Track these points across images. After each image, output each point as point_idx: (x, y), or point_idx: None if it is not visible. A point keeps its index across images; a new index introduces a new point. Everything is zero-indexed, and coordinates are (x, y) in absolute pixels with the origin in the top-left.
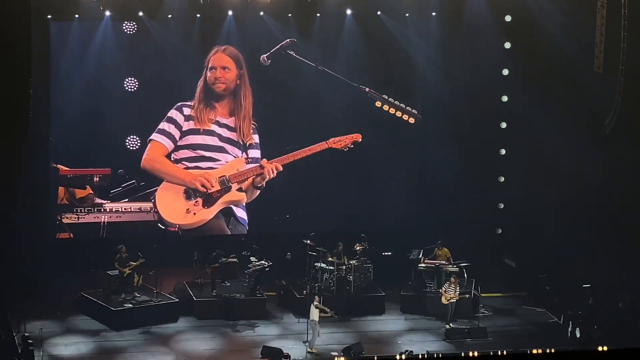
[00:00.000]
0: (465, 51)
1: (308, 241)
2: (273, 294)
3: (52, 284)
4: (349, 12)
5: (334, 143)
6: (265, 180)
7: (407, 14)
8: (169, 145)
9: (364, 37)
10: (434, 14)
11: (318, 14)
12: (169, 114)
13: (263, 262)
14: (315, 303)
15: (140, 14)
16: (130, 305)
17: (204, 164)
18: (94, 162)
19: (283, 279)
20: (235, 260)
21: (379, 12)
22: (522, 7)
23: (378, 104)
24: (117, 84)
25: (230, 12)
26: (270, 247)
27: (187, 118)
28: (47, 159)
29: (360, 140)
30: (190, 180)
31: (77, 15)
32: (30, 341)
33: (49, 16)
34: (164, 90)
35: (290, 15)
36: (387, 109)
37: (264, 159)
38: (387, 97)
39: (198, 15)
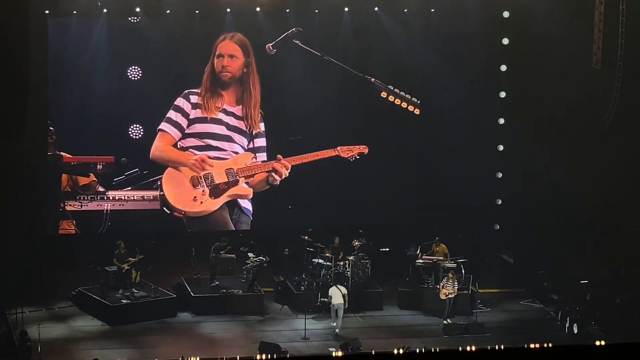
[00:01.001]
0: (463, 47)
1: (306, 237)
2: (270, 290)
3: (50, 280)
4: (346, 9)
5: (342, 152)
6: (280, 179)
7: (405, 10)
8: (176, 134)
9: (362, 33)
10: (432, 10)
11: (316, 10)
12: (176, 102)
13: (261, 257)
14: (340, 288)
15: (137, 9)
16: (128, 301)
17: (211, 152)
18: (98, 151)
19: (281, 275)
20: (233, 255)
21: (376, 8)
22: (520, 3)
23: (384, 94)
24: (121, 72)
25: (228, 10)
26: (268, 243)
27: (195, 106)
28: (45, 154)
29: (366, 152)
30: (190, 163)
31: (75, 12)
32: (27, 337)
33: (47, 12)
34: (167, 79)
35: (287, 10)
36: (392, 100)
37: (279, 156)
38: (392, 88)
39: (197, 12)
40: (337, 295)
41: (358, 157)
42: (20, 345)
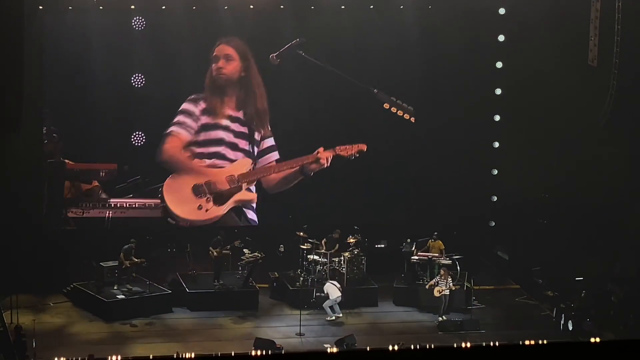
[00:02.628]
0: (458, 44)
1: (301, 233)
2: (265, 286)
3: (45, 275)
4: (342, 7)
5: (341, 151)
6: (320, 168)
7: (401, 7)
8: (186, 137)
9: (358, 31)
10: (430, 7)
11: (312, 7)
12: (183, 107)
13: (256, 254)
14: (334, 282)
15: (133, 7)
16: (123, 296)
17: (217, 161)
18: (101, 158)
19: (276, 271)
20: (229, 252)
21: (371, 6)
22: (516, 0)
23: (386, 105)
24: (120, 76)
25: (225, 7)
26: (263, 239)
27: (203, 112)
28: (40, 154)
29: (365, 149)
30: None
31: (70, 7)
32: (22, 332)
33: (41, 7)
34: (168, 84)
35: (282, 7)
36: (394, 111)
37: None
38: (395, 99)
39: (194, 7)
40: (333, 290)
41: (357, 155)
42: (15, 341)
